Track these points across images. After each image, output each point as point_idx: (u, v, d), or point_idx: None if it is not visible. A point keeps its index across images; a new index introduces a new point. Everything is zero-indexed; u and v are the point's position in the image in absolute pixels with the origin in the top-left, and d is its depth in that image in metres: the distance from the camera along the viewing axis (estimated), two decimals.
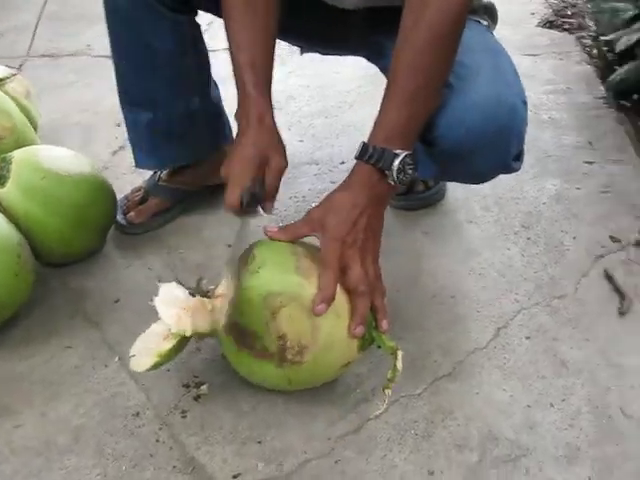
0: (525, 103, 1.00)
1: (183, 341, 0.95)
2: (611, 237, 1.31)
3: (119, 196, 1.37)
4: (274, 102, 1.04)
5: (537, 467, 0.94)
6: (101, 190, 1.28)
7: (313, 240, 0.96)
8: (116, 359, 1.11)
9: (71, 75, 1.97)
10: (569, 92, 1.78)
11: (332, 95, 1.83)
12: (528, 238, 1.32)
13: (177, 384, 1.07)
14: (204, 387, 1.06)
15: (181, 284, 0.99)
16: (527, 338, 1.12)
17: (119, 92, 1.28)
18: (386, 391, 0.95)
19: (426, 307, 1.19)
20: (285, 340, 0.91)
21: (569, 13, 2.25)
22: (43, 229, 1.20)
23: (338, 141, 1.64)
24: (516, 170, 1.06)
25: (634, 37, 1.68)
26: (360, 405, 1.02)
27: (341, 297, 0.92)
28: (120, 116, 1.33)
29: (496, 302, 1.19)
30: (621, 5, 1.77)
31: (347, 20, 1.12)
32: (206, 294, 0.98)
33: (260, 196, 0.99)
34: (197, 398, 1.05)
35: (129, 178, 1.51)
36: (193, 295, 0.97)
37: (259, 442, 0.98)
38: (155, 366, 0.94)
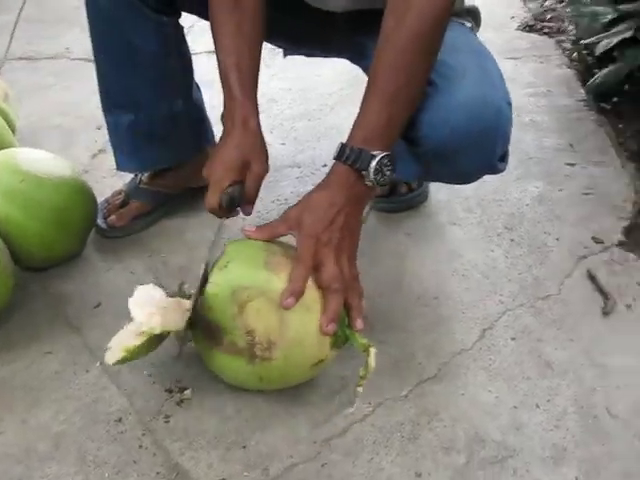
0: (510, 104, 1.00)
1: (154, 339, 0.94)
2: (593, 238, 1.31)
3: (99, 199, 1.35)
4: None
5: (524, 468, 0.93)
6: (81, 193, 1.27)
7: (291, 240, 0.96)
8: (97, 364, 1.10)
9: (50, 78, 1.95)
10: (550, 95, 1.79)
11: (314, 98, 1.83)
12: (511, 239, 1.32)
13: (160, 389, 1.05)
14: (187, 392, 1.05)
15: (163, 288, 0.98)
16: (512, 339, 1.12)
17: (100, 94, 1.26)
18: (358, 389, 0.95)
19: (410, 309, 1.18)
20: (253, 335, 0.90)
21: (548, 17, 2.27)
22: (22, 233, 1.18)
23: (320, 144, 1.63)
24: (501, 171, 1.06)
25: (613, 40, 1.70)
26: (345, 408, 1.01)
27: (314, 293, 0.92)
28: (100, 119, 1.32)
29: (480, 303, 1.19)
30: (600, 9, 1.79)
31: (331, 22, 1.12)
32: (188, 298, 0.98)
33: (239, 199, 1.00)
34: (180, 403, 1.03)
35: (109, 181, 1.49)
36: (171, 296, 0.96)
37: (244, 447, 0.97)
38: (122, 361, 0.93)
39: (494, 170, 1.05)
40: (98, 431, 1.00)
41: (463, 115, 0.94)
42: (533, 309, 1.17)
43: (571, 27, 2.14)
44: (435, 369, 1.07)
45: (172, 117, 1.28)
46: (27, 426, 1.01)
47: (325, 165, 1.54)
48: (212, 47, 1.05)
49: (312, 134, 1.67)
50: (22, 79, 1.91)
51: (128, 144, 1.30)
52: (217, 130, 1.23)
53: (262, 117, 1.04)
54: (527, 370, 1.07)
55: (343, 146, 0.92)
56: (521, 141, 1.58)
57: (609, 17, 1.75)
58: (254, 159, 1.00)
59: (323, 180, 0.95)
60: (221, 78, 1.02)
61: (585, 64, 1.93)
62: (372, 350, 0.93)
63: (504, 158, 1.05)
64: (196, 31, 1.73)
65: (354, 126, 0.93)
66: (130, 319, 0.93)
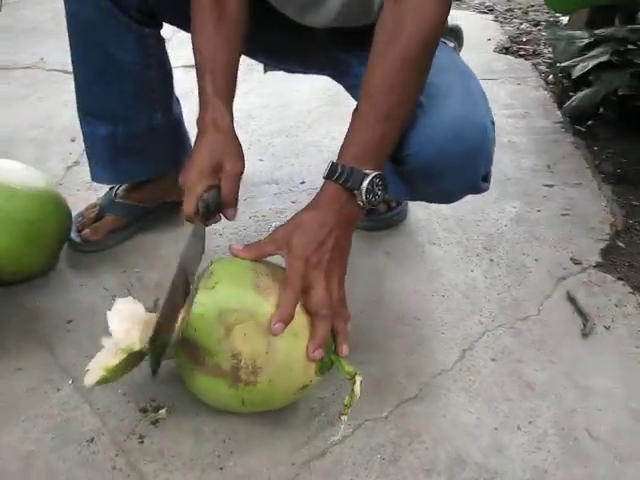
0: (493, 124, 1.00)
1: (134, 356, 0.91)
2: (572, 259, 1.32)
3: (73, 213, 1.32)
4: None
5: None
6: (55, 205, 1.23)
7: (280, 261, 0.94)
8: (70, 382, 1.06)
9: (24, 89, 1.92)
10: (527, 116, 1.81)
11: (292, 114, 1.82)
12: (491, 260, 1.32)
13: (134, 408, 1.02)
14: (162, 411, 1.02)
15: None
16: (492, 360, 1.11)
17: (78, 103, 1.24)
18: (342, 417, 0.93)
19: (390, 329, 1.17)
20: (239, 359, 0.88)
21: (524, 40, 2.30)
22: None
23: (298, 160, 1.63)
24: (484, 190, 1.05)
25: (589, 64, 1.73)
26: (325, 429, 1.00)
27: (301, 318, 0.90)
28: (75, 131, 1.29)
29: (460, 324, 1.18)
30: (577, 33, 1.82)
31: (314, 38, 1.11)
32: None
33: (215, 205, 0.97)
34: (155, 423, 1.00)
35: (84, 195, 1.46)
36: (150, 311, 0.94)
37: (221, 468, 0.95)
38: (102, 381, 0.89)
39: (477, 190, 1.04)
40: (70, 452, 0.96)
41: (449, 134, 0.93)
42: (513, 330, 1.17)
43: (547, 50, 2.17)
44: (416, 389, 1.06)
45: (151, 129, 1.25)
46: None
47: (303, 182, 1.54)
48: (190, 61, 1.03)
49: (290, 151, 1.66)
50: None
51: (104, 155, 1.28)
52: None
53: (239, 133, 1.02)
54: (507, 391, 1.06)
55: (334, 165, 0.90)
56: (499, 161, 1.59)
57: (585, 41, 1.79)
58: (226, 159, 0.97)
59: (313, 199, 0.93)
60: (198, 83, 1.01)
61: (561, 87, 1.96)
62: (358, 378, 0.92)
63: (487, 178, 1.05)
64: (174, 44, 1.71)
65: (345, 144, 0.92)
66: (108, 334, 0.90)
